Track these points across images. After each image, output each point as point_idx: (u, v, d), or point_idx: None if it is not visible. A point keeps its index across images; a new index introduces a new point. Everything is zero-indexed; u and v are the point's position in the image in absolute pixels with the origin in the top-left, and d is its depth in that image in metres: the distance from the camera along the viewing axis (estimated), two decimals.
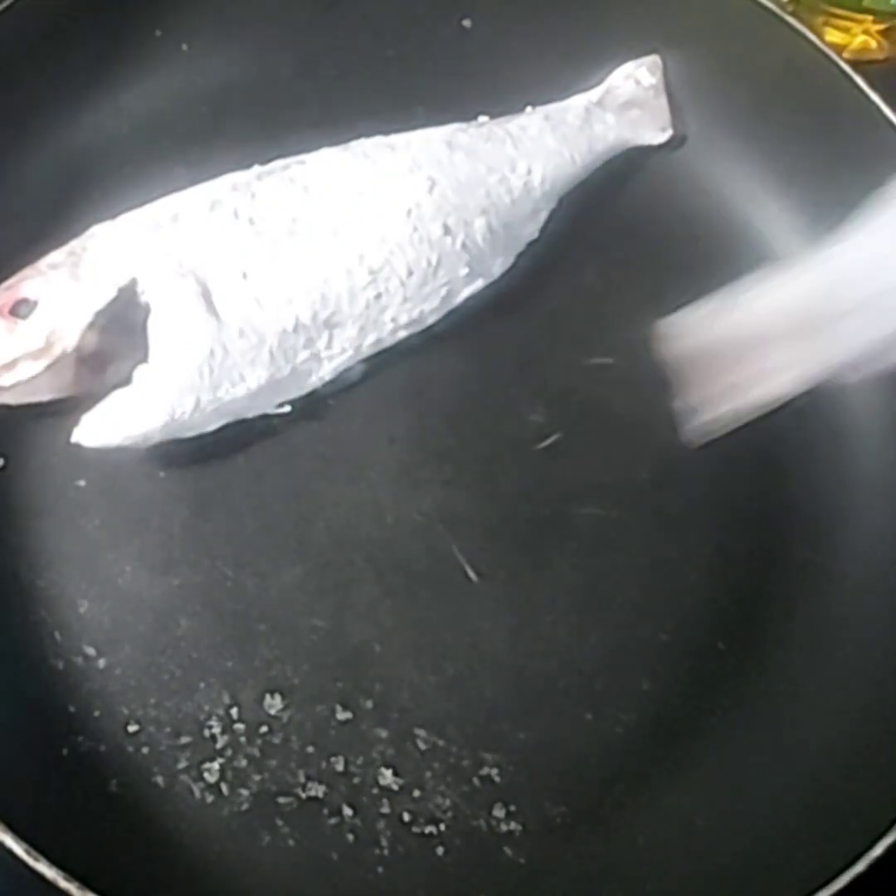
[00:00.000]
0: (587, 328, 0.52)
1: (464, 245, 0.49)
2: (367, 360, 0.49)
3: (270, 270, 0.47)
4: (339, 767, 0.44)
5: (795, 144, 0.53)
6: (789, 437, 0.50)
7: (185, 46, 0.54)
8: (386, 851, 0.43)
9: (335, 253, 0.47)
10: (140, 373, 0.46)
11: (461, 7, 0.55)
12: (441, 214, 0.49)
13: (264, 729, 0.44)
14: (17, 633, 0.45)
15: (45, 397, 0.46)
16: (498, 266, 0.51)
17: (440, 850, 0.43)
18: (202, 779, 0.44)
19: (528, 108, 0.54)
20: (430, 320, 0.50)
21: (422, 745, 0.45)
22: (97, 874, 0.39)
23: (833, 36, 0.58)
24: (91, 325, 0.45)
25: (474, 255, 0.50)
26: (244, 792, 0.44)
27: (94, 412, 0.46)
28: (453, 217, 0.49)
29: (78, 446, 0.46)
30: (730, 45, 0.54)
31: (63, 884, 0.39)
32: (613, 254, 0.53)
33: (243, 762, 0.44)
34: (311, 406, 0.49)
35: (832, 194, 0.53)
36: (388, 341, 0.49)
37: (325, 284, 0.47)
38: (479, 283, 0.50)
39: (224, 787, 0.44)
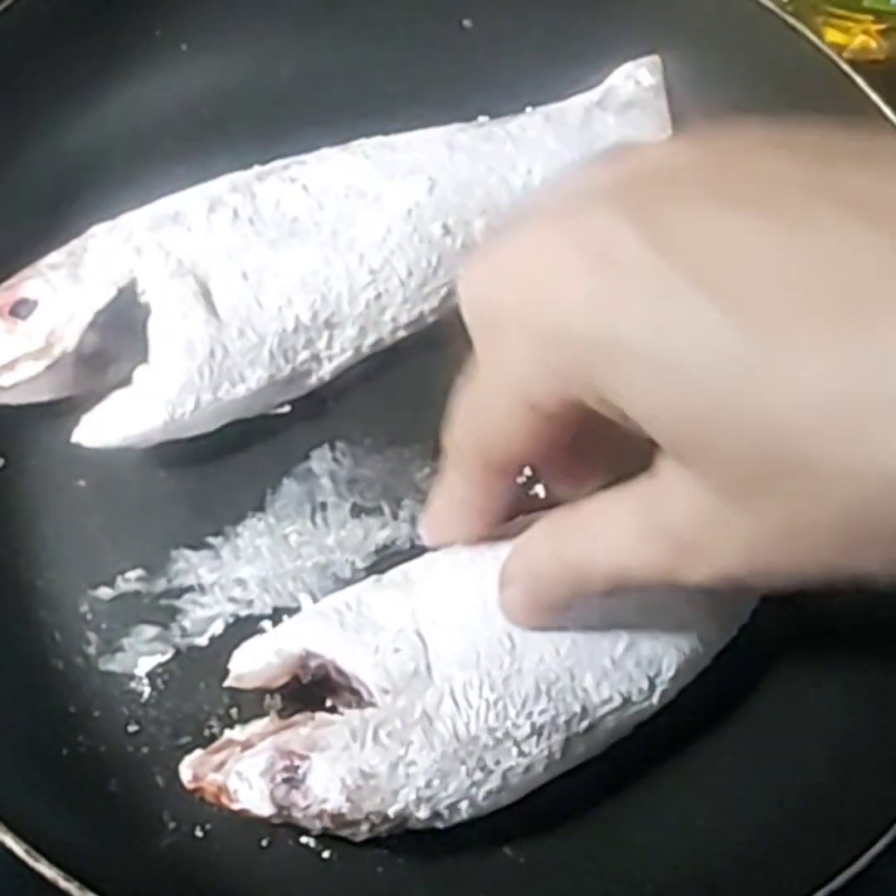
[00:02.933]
0: None
1: (464, 245, 0.49)
2: (367, 360, 0.49)
3: (270, 270, 0.47)
4: None
5: None
6: None
7: (184, 46, 0.54)
8: (386, 851, 0.43)
9: (335, 253, 0.48)
10: (140, 373, 0.46)
11: (461, 7, 0.55)
12: (441, 214, 0.49)
13: None
14: (17, 633, 0.45)
15: (45, 397, 0.46)
16: None
17: (440, 850, 0.43)
18: None
19: (528, 109, 0.54)
20: (430, 320, 0.50)
21: None
22: (97, 874, 0.39)
23: (833, 36, 0.58)
24: (91, 325, 0.45)
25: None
26: None
27: (94, 412, 0.46)
28: (453, 217, 0.49)
29: (78, 446, 0.46)
30: (730, 45, 0.54)
31: (63, 884, 0.39)
32: None
33: None
34: (311, 406, 0.49)
35: None
36: (388, 341, 0.49)
37: (325, 284, 0.47)
38: None
39: None
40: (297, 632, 0.43)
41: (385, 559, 0.47)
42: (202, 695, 0.45)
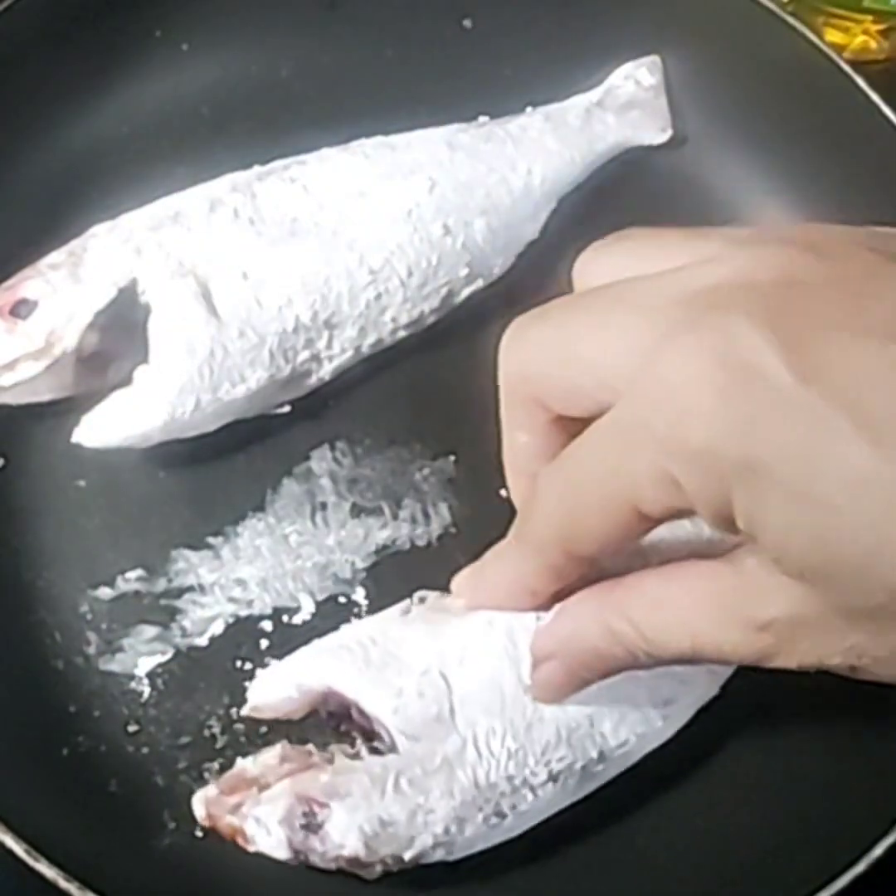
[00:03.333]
0: None
1: (464, 245, 0.49)
2: (367, 360, 0.49)
3: (270, 270, 0.47)
4: None
5: (795, 144, 0.53)
6: None
7: (185, 46, 0.54)
8: None
9: (335, 253, 0.47)
10: (140, 373, 0.46)
11: (461, 7, 0.55)
12: (441, 215, 0.49)
13: (264, 729, 0.44)
14: (17, 633, 0.45)
15: (45, 397, 0.46)
16: (498, 266, 0.51)
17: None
18: (202, 779, 0.44)
19: (529, 109, 0.54)
20: (430, 320, 0.50)
21: None
22: (97, 874, 0.39)
23: (833, 36, 0.58)
24: (91, 325, 0.45)
25: (474, 256, 0.50)
26: None
27: (94, 412, 0.46)
28: (453, 217, 0.49)
29: (78, 446, 0.46)
30: (730, 45, 0.54)
31: (63, 884, 0.39)
32: None
33: None
34: (311, 406, 0.49)
35: (832, 194, 0.53)
36: (388, 341, 0.49)
37: (325, 284, 0.47)
38: (479, 283, 0.50)
39: None
40: (320, 666, 0.42)
41: (385, 559, 0.47)
42: (202, 695, 0.45)
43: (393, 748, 0.40)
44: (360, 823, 0.39)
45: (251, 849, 0.40)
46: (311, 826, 0.39)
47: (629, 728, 0.42)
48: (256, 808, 0.40)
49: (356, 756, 0.41)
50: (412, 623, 0.42)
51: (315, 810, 0.39)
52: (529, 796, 0.41)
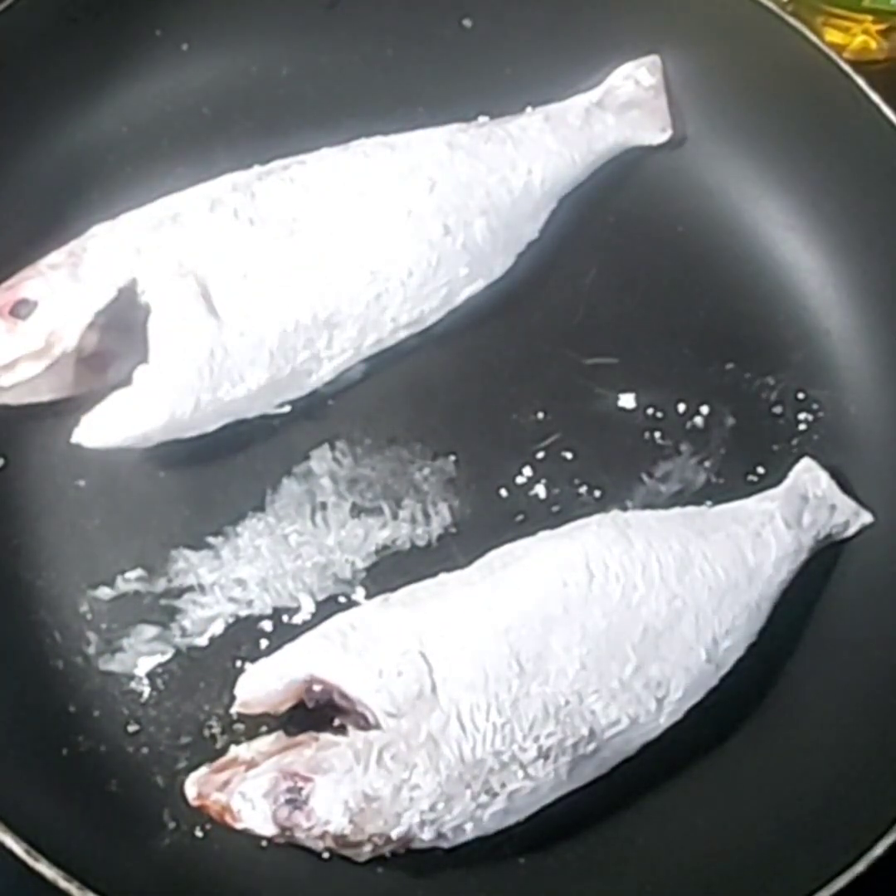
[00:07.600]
0: (587, 328, 0.52)
1: (464, 245, 0.49)
2: (367, 360, 0.49)
3: (270, 270, 0.47)
4: None
5: (795, 144, 0.53)
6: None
7: (185, 46, 0.54)
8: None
9: (335, 253, 0.48)
10: (140, 373, 0.46)
11: (461, 7, 0.55)
12: (441, 214, 0.49)
13: (264, 728, 0.44)
14: (17, 633, 0.45)
15: (45, 397, 0.46)
16: (498, 266, 0.51)
17: (440, 851, 0.43)
18: None
19: (528, 109, 0.54)
20: (430, 320, 0.50)
21: None
22: (97, 874, 0.39)
23: (833, 36, 0.58)
24: (91, 325, 0.45)
25: (474, 255, 0.50)
26: None
27: (94, 412, 0.46)
28: (453, 217, 0.49)
29: (78, 446, 0.46)
30: (730, 45, 0.54)
31: (63, 884, 0.39)
32: (613, 254, 0.53)
33: None
34: (311, 406, 0.49)
35: (831, 194, 0.53)
36: (388, 341, 0.49)
37: (325, 284, 0.47)
38: (479, 283, 0.50)
39: None
40: (300, 656, 0.42)
41: (385, 559, 0.47)
42: (202, 695, 0.45)
43: (377, 727, 0.41)
44: (344, 798, 0.40)
45: (238, 826, 0.40)
46: (296, 802, 0.40)
47: (619, 708, 0.42)
48: (242, 784, 0.40)
49: (341, 733, 0.41)
50: (391, 607, 0.43)
51: (299, 784, 0.40)
52: (520, 774, 0.41)
